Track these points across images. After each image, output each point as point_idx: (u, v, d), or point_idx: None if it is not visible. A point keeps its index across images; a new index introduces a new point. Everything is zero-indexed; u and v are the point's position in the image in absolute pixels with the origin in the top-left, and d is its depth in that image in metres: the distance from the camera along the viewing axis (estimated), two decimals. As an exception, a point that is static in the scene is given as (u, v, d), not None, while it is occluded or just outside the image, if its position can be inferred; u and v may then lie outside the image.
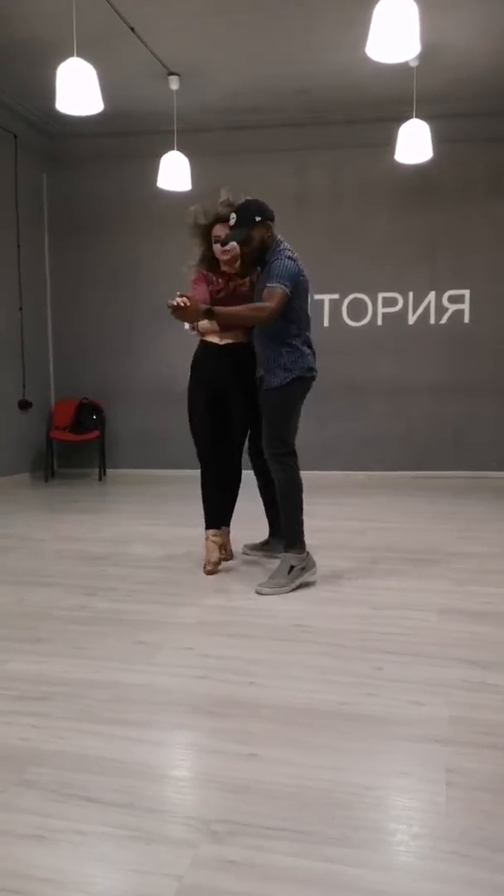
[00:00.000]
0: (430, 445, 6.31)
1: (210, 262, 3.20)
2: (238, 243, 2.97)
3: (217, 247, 3.12)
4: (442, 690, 1.97)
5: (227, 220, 3.02)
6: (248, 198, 3.00)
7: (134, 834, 1.35)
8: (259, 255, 2.98)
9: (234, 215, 2.94)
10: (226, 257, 3.12)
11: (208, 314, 2.78)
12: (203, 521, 3.23)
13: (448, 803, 1.44)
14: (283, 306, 2.85)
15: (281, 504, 3.03)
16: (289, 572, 2.91)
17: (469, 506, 4.95)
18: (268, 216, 2.96)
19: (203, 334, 3.19)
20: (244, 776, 1.55)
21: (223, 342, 3.16)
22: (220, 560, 3.20)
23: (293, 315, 2.95)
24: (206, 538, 3.20)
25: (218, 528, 3.22)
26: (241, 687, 2.00)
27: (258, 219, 2.93)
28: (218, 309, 2.81)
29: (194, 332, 3.20)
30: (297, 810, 1.42)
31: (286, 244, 2.98)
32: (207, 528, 3.21)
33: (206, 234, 3.17)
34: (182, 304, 2.66)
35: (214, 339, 3.18)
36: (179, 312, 2.69)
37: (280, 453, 2.99)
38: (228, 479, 3.27)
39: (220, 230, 3.11)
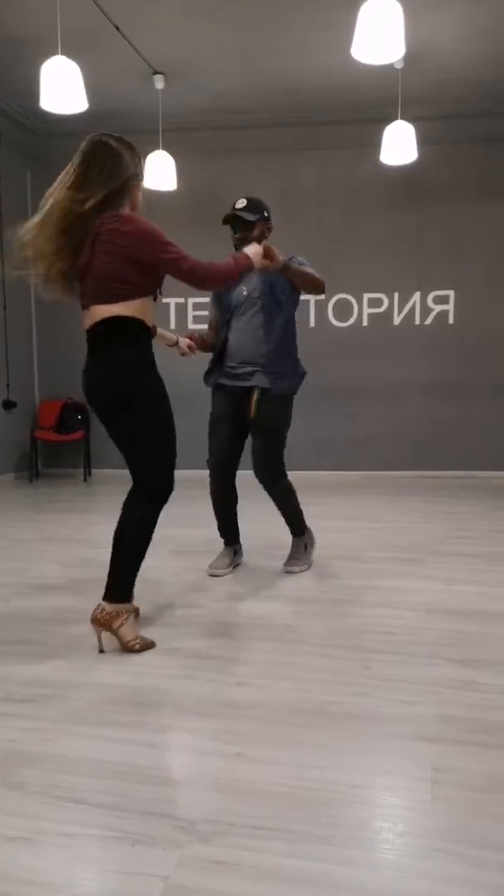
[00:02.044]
0: (420, 445, 6.34)
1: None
2: (248, 225, 3.00)
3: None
4: (429, 689, 1.98)
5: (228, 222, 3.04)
6: None
7: (121, 835, 1.35)
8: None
9: (244, 200, 3.02)
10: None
11: (284, 270, 2.77)
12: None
13: (434, 801, 1.45)
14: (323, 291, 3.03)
15: (285, 508, 3.18)
16: (305, 550, 3.24)
17: (458, 505, 4.98)
18: (270, 214, 3.09)
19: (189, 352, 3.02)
20: (231, 776, 1.55)
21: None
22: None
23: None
24: None
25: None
26: (228, 687, 2.00)
27: (266, 214, 3.05)
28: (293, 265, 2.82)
29: (183, 352, 3.03)
30: (284, 810, 1.42)
31: None
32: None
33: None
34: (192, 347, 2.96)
35: None
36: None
37: (283, 471, 3.12)
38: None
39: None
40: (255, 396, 3.01)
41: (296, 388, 3.12)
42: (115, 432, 2.39)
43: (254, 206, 3.02)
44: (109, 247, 2.19)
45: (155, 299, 2.32)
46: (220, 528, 3.29)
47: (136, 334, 2.28)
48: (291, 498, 3.16)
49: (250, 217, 2.99)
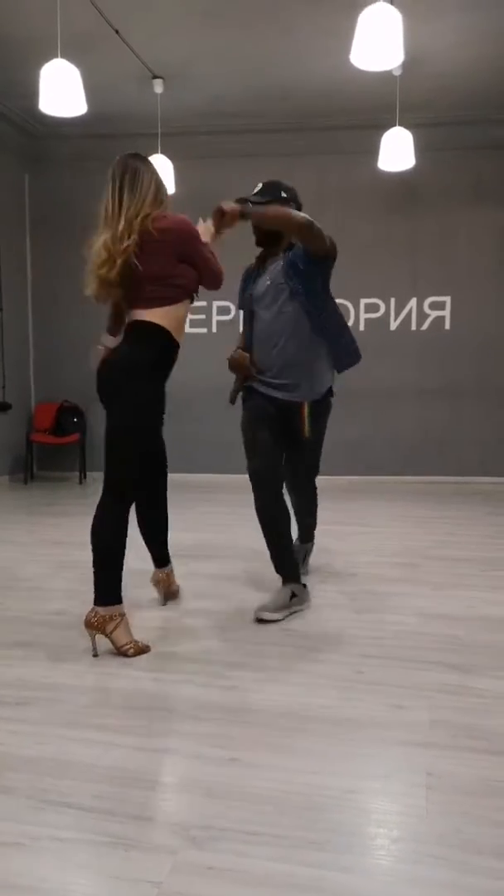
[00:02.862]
0: (414, 450, 6.35)
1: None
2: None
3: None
4: (422, 694, 1.98)
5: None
6: None
7: (114, 840, 1.34)
8: (272, 235, 2.75)
9: (260, 184, 2.76)
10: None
11: (245, 218, 2.52)
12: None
13: (428, 806, 1.45)
14: (332, 246, 2.70)
15: (313, 509, 3.19)
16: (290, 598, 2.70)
17: (451, 510, 4.99)
18: (294, 197, 2.76)
19: None
20: (225, 781, 1.54)
21: None
22: None
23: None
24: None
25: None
26: (222, 691, 2.00)
27: (283, 195, 2.72)
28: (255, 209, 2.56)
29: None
30: (278, 815, 1.42)
31: None
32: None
33: None
34: None
35: None
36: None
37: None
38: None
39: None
40: (305, 412, 2.76)
41: (332, 382, 2.94)
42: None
43: (268, 188, 2.72)
44: (157, 246, 2.29)
45: (192, 301, 2.44)
46: (275, 560, 2.74)
47: (156, 342, 2.35)
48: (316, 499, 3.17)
49: (260, 200, 2.66)
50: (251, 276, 2.92)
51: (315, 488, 3.15)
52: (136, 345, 2.36)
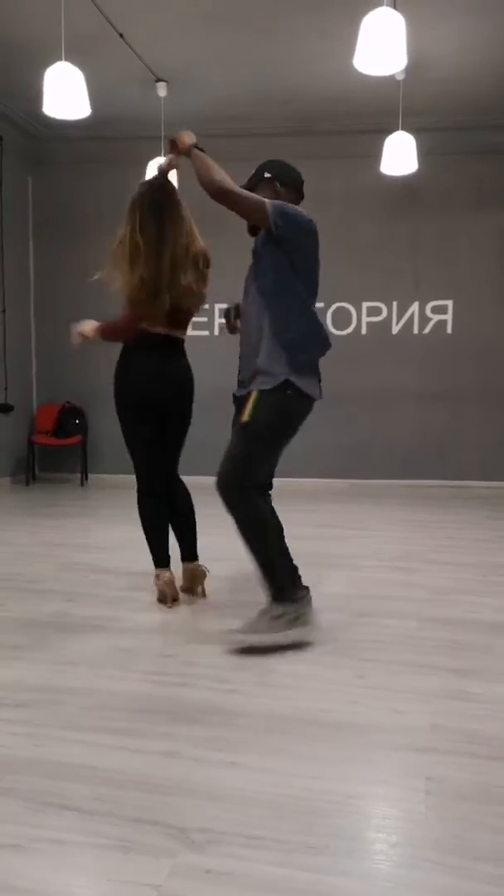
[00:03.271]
0: (414, 454, 6.35)
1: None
2: None
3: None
4: (422, 698, 1.97)
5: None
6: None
7: (112, 843, 1.34)
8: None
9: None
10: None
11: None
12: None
13: (427, 811, 1.45)
14: (247, 205, 2.31)
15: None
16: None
17: (451, 514, 4.99)
18: (282, 176, 2.51)
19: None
20: (224, 784, 1.54)
21: None
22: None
23: (293, 273, 2.34)
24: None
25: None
26: (221, 694, 2.00)
27: (267, 175, 2.50)
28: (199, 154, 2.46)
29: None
30: (277, 819, 1.42)
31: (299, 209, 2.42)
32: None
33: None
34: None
35: None
36: None
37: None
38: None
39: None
40: (253, 397, 2.37)
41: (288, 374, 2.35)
42: (180, 425, 2.88)
43: (255, 171, 2.55)
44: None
45: None
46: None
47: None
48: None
49: (245, 185, 2.48)
50: None
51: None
52: (186, 357, 2.85)
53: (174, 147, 2.56)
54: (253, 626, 2.33)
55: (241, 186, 2.45)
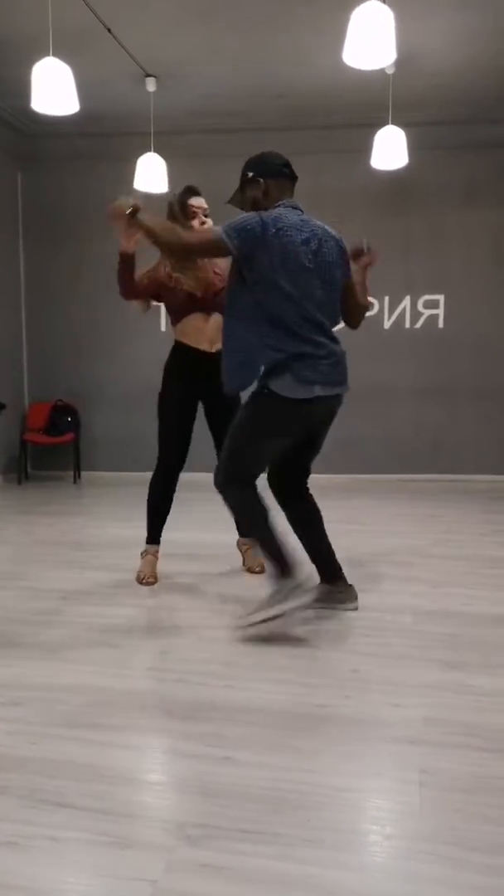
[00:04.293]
0: (409, 449, 6.36)
1: None
2: (238, 202, 2.50)
3: (195, 222, 2.89)
4: (417, 692, 1.98)
5: (200, 193, 2.94)
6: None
7: (108, 839, 1.34)
8: None
9: None
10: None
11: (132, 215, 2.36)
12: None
13: (422, 804, 1.45)
14: (205, 249, 2.40)
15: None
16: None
17: (446, 509, 5.00)
18: (263, 170, 2.44)
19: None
20: (219, 780, 1.54)
21: None
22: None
23: (269, 297, 2.33)
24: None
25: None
26: (217, 690, 2.00)
27: (249, 174, 2.44)
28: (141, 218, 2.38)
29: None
30: (273, 813, 1.42)
31: (289, 209, 2.41)
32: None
33: (182, 210, 2.92)
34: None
35: None
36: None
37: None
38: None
39: (197, 202, 2.92)
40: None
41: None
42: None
43: (241, 173, 2.50)
44: None
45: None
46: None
47: None
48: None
49: (234, 201, 2.52)
50: None
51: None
52: None
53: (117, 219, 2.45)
54: (255, 609, 2.40)
55: (231, 198, 2.51)
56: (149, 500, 3.12)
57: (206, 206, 2.97)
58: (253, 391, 2.48)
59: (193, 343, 2.98)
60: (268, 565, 2.45)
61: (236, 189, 2.52)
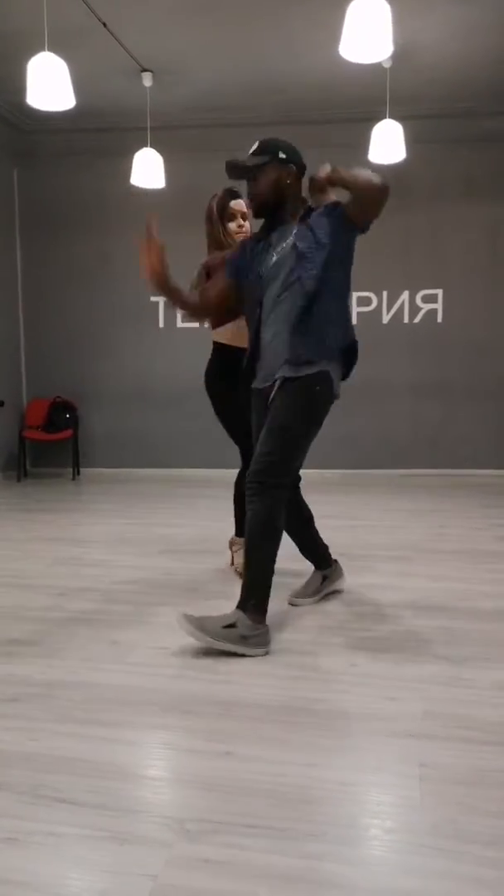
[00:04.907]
0: (406, 443, 6.36)
1: (217, 244, 2.94)
2: (249, 172, 2.36)
3: (233, 225, 2.91)
4: (416, 686, 1.98)
5: (241, 196, 2.87)
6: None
7: (108, 834, 1.34)
8: (270, 204, 2.39)
9: (257, 143, 2.43)
10: (241, 236, 2.86)
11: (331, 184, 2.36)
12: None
13: (422, 797, 1.45)
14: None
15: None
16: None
17: (443, 503, 5.00)
18: (297, 160, 2.42)
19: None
20: (219, 774, 1.54)
21: None
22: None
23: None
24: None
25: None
26: (216, 685, 2.00)
27: (283, 156, 2.36)
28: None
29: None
30: (273, 808, 1.42)
31: None
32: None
33: (221, 212, 2.94)
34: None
35: None
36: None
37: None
38: None
39: (238, 205, 2.93)
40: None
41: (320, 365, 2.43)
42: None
43: (262, 147, 2.37)
44: None
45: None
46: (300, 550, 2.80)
47: None
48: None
49: (249, 162, 2.34)
50: (254, 250, 2.47)
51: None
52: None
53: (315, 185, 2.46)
54: (209, 629, 2.18)
55: (239, 162, 2.37)
56: (236, 496, 3.14)
57: (245, 209, 2.95)
58: (299, 383, 2.38)
59: (240, 343, 2.82)
60: (248, 593, 2.26)
61: (249, 158, 2.38)
